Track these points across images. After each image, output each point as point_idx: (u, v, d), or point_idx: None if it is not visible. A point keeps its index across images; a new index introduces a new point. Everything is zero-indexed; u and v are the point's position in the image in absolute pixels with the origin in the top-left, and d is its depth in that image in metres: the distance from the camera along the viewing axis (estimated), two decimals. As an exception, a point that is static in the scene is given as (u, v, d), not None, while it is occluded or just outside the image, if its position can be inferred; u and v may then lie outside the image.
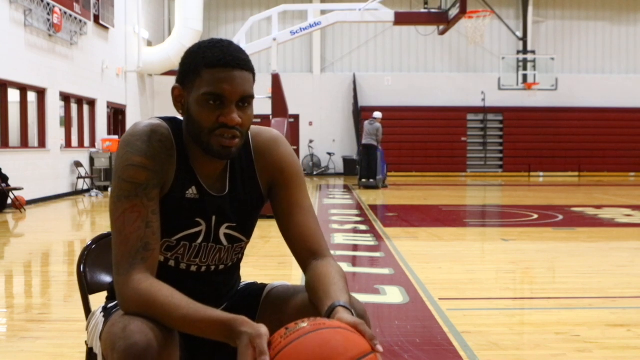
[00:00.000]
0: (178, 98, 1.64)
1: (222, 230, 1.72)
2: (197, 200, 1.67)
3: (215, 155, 1.61)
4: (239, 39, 13.48)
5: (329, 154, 23.45)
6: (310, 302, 1.62)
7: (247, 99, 1.60)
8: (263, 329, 1.38)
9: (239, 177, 1.73)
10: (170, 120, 1.68)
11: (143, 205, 1.57)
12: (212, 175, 1.70)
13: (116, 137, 16.61)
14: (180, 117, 1.69)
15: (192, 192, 1.67)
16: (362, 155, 16.06)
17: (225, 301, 1.81)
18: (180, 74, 1.64)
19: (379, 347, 1.36)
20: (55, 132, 13.74)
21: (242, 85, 1.58)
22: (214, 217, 1.69)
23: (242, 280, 1.92)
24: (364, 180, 15.92)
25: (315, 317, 1.40)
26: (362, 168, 16.01)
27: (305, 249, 1.71)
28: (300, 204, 1.74)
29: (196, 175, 1.67)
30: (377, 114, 15.95)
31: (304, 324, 1.35)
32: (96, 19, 15.82)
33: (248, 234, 1.78)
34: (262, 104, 12.78)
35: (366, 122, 15.90)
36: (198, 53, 1.61)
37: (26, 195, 11.56)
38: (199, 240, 1.69)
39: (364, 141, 15.75)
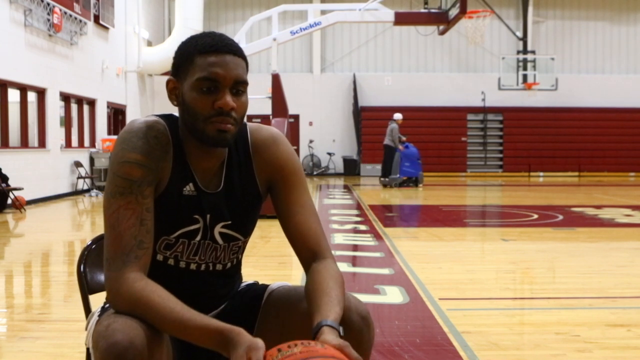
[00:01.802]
0: (173, 90, 1.65)
1: (217, 229, 1.71)
2: (194, 197, 1.67)
3: (211, 142, 1.60)
4: (239, 39, 13.46)
5: (329, 154, 23.45)
6: None
7: (240, 85, 1.59)
8: (260, 342, 1.37)
9: (235, 173, 1.72)
10: (166, 117, 1.68)
11: (137, 202, 1.56)
12: (209, 171, 1.69)
13: (116, 137, 16.58)
14: (177, 114, 1.69)
15: (189, 188, 1.66)
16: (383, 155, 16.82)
17: (225, 302, 1.81)
18: (174, 66, 1.65)
19: None
20: (55, 132, 13.74)
21: (235, 69, 1.58)
22: (208, 216, 1.69)
23: (243, 281, 1.91)
24: (381, 179, 16.70)
25: (308, 342, 1.39)
26: (382, 167, 16.80)
27: (306, 248, 1.71)
28: (300, 203, 1.74)
29: (192, 172, 1.67)
30: (396, 116, 16.56)
31: (297, 349, 1.34)
32: (96, 19, 15.82)
33: (245, 233, 1.77)
34: (262, 104, 12.77)
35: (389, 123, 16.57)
36: (190, 43, 1.63)
37: (26, 195, 11.56)
38: (198, 238, 1.69)
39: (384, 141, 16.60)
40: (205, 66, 1.57)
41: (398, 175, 16.18)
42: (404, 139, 16.39)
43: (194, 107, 1.58)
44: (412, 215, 10.46)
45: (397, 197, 14.08)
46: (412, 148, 16.39)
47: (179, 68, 1.63)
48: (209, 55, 1.58)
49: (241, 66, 1.60)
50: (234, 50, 1.60)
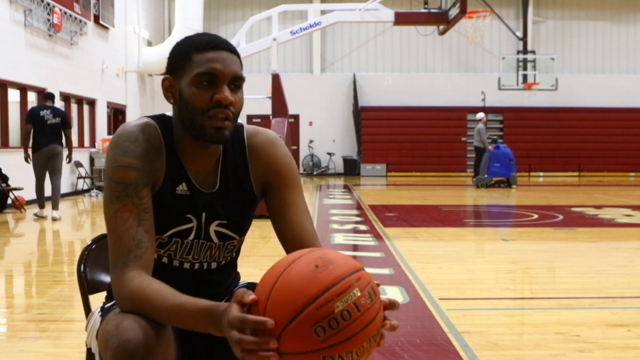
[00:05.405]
0: (169, 88, 1.67)
1: (213, 228, 1.72)
2: (187, 197, 1.68)
3: (209, 138, 1.61)
4: (239, 39, 13.47)
5: (329, 154, 23.45)
6: None
7: (238, 81, 1.63)
8: (247, 290, 1.35)
9: (231, 174, 1.73)
10: (158, 118, 1.70)
11: (134, 204, 1.58)
12: (203, 170, 1.70)
13: (116, 137, 16.60)
14: (169, 114, 1.71)
15: (182, 188, 1.67)
16: None
17: (222, 301, 1.80)
18: (170, 64, 1.67)
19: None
20: (55, 132, 13.70)
21: (232, 65, 1.62)
22: (203, 214, 1.70)
23: (241, 280, 1.91)
24: (473, 179, 16.90)
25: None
26: (474, 168, 17.01)
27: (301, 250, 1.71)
28: (295, 205, 1.75)
29: (186, 171, 1.68)
30: (478, 115, 16.62)
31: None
32: (96, 19, 15.82)
33: (240, 232, 1.78)
34: (262, 104, 12.79)
35: None
36: (186, 42, 1.66)
37: (26, 195, 11.55)
38: (191, 237, 1.70)
39: None
40: (204, 62, 1.60)
41: (486, 176, 16.04)
42: (499, 140, 16.34)
43: (192, 101, 1.60)
44: (412, 215, 10.45)
45: (396, 197, 14.06)
46: (503, 148, 16.19)
47: (176, 66, 1.65)
48: (207, 52, 1.61)
49: (237, 63, 1.64)
50: (230, 47, 1.65)
